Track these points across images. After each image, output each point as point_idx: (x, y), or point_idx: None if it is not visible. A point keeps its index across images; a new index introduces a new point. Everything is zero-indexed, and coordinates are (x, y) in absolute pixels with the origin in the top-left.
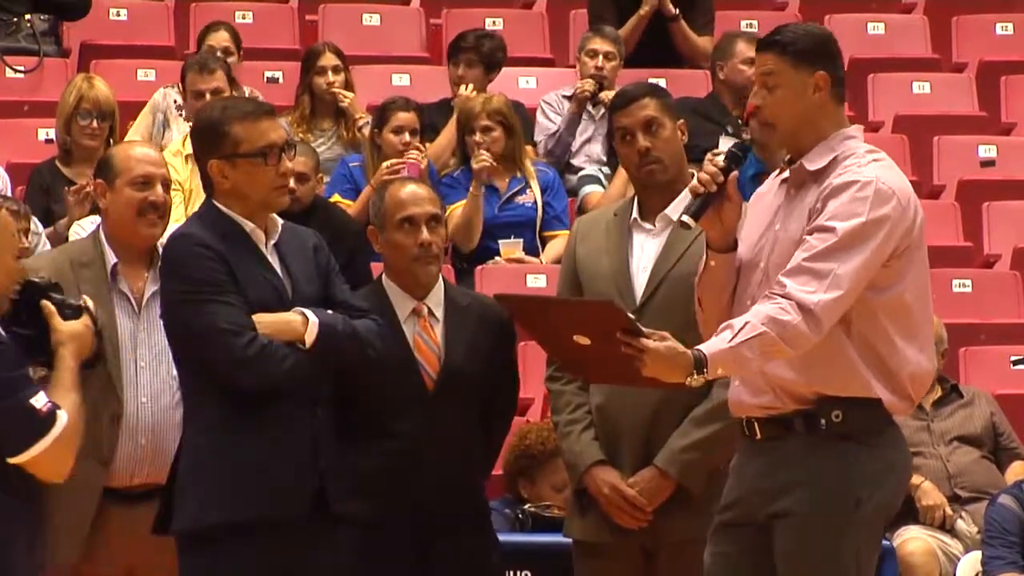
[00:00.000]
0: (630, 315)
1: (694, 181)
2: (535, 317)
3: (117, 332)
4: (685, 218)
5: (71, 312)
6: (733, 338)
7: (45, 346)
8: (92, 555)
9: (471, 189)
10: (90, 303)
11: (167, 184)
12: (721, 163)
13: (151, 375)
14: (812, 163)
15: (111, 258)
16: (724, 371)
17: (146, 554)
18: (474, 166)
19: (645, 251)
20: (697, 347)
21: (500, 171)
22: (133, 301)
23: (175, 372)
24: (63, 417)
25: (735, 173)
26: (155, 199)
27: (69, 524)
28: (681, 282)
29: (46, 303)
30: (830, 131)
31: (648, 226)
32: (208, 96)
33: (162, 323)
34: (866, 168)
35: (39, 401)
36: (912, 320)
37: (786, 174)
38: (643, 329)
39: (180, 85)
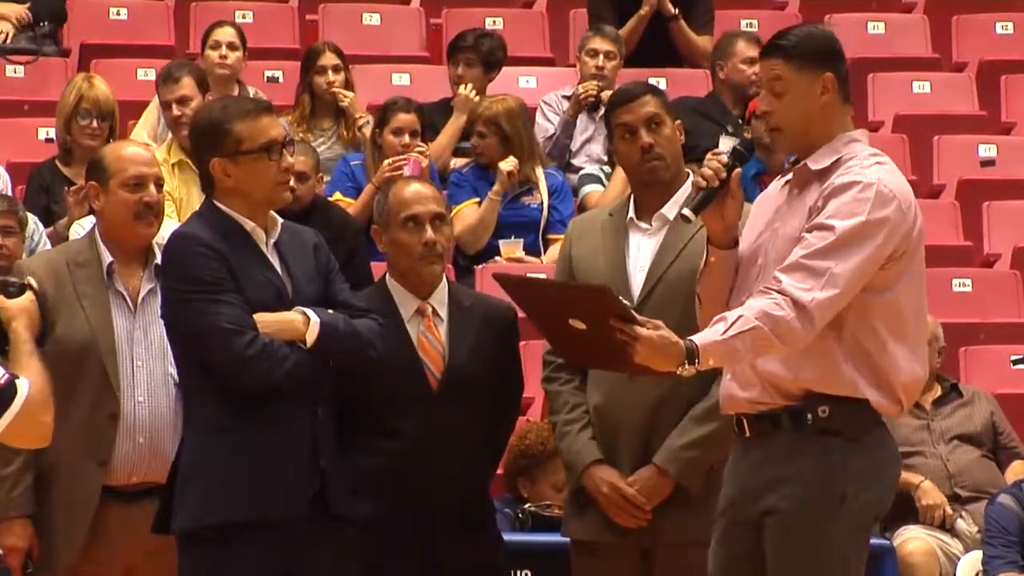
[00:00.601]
0: (624, 301)
1: (697, 176)
2: (532, 299)
3: (113, 331)
4: (686, 211)
5: (15, 290)
6: (726, 331)
7: None
8: (91, 554)
9: (490, 194)
10: (32, 280)
11: (160, 183)
12: (726, 159)
13: (148, 374)
14: (816, 163)
15: (107, 257)
16: (715, 363)
17: (146, 553)
18: (501, 167)
19: (642, 251)
20: (690, 338)
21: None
22: (129, 300)
23: (172, 371)
24: (24, 385)
25: (739, 170)
26: (149, 200)
27: (68, 524)
28: (678, 282)
29: None
30: (836, 132)
31: (644, 225)
32: (175, 105)
33: (159, 322)
34: (869, 170)
35: None
36: (904, 323)
37: (789, 175)
38: (637, 316)
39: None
